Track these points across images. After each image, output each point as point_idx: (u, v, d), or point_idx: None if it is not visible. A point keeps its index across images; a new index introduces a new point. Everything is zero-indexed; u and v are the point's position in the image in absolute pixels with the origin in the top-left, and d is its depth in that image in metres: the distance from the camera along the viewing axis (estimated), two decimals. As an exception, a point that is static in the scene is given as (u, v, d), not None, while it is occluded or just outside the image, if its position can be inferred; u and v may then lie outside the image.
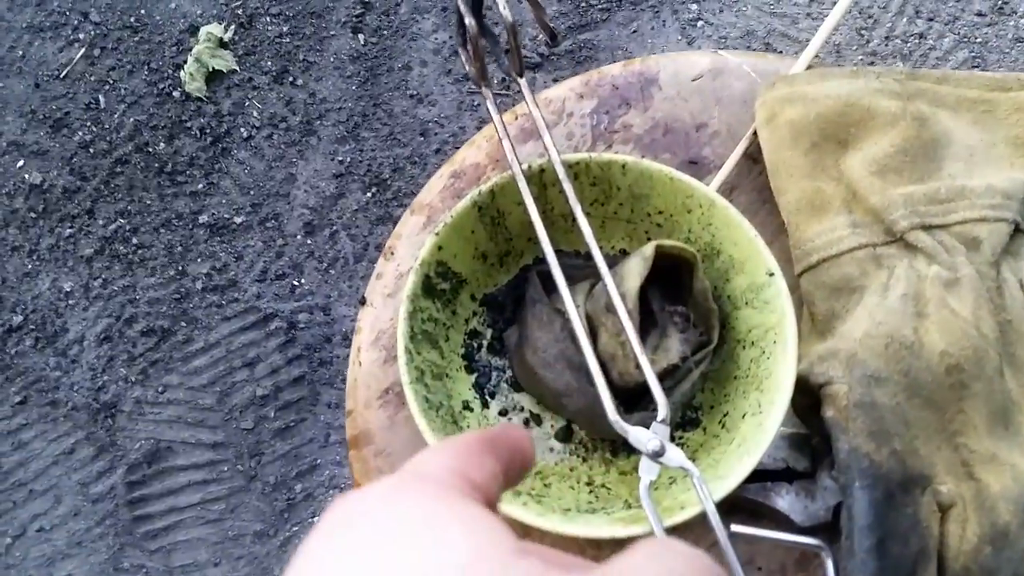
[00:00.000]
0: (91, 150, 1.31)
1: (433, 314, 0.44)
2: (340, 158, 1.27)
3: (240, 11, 1.36)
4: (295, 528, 1.17)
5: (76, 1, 1.39)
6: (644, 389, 0.43)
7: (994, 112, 0.50)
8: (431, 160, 1.28)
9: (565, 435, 0.47)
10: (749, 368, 0.43)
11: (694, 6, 1.33)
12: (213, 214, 1.26)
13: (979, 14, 1.43)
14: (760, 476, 0.44)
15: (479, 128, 1.30)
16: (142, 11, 1.38)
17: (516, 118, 0.56)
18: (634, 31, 1.32)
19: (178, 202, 1.28)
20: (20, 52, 1.37)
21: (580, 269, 0.48)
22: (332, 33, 1.35)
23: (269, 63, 1.33)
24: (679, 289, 0.45)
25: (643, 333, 0.43)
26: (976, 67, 1.39)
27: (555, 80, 1.30)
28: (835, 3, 0.54)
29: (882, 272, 0.44)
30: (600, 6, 1.34)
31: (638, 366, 0.42)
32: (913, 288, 0.42)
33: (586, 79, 0.56)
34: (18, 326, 1.25)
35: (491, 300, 0.48)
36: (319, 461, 1.19)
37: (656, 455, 0.36)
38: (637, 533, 0.37)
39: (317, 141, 1.28)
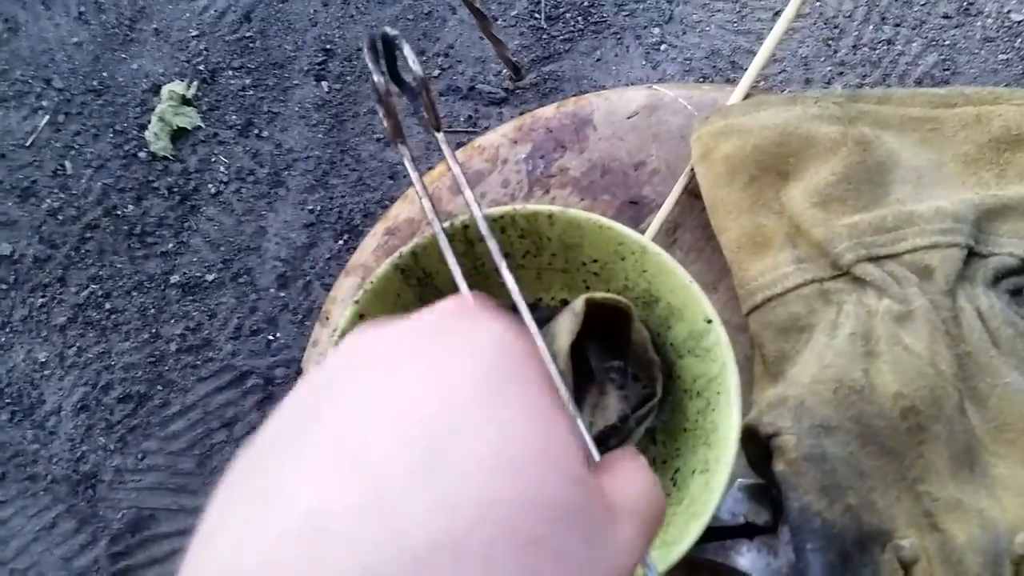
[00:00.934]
0: (60, 217, 1.30)
1: (359, 387, 0.42)
2: (310, 207, 1.26)
3: (202, 67, 1.36)
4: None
5: (39, 68, 1.39)
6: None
7: (941, 130, 0.48)
8: (402, 203, 1.27)
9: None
10: (697, 420, 0.41)
11: (657, 30, 1.32)
12: (184, 273, 1.25)
13: (945, 16, 1.42)
14: (718, 533, 0.42)
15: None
16: (104, 74, 1.38)
17: (449, 168, 0.54)
18: (598, 59, 1.31)
19: (149, 263, 1.26)
20: (-16, 124, 1.36)
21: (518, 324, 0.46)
22: (295, 82, 1.34)
23: (234, 117, 1.32)
24: (619, 342, 0.43)
25: (582, 391, 0.41)
26: (947, 70, 1.38)
27: (521, 115, 1.29)
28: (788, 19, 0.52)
29: (831, 309, 0.42)
30: (562, 36, 1.33)
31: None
32: (862, 325, 0.40)
33: (519, 123, 0.54)
34: (-8, 401, 1.23)
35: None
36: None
37: None
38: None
39: (286, 192, 1.27)
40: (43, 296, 1.28)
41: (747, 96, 0.51)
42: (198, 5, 1.42)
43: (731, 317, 0.46)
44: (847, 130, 0.46)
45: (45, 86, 1.37)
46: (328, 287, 1.23)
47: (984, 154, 0.47)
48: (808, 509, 0.36)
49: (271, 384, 1.19)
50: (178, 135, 1.32)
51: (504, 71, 1.30)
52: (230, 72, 1.35)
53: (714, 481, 0.37)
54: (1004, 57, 1.37)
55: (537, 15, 1.35)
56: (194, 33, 1.40)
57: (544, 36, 1.33)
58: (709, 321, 0.40)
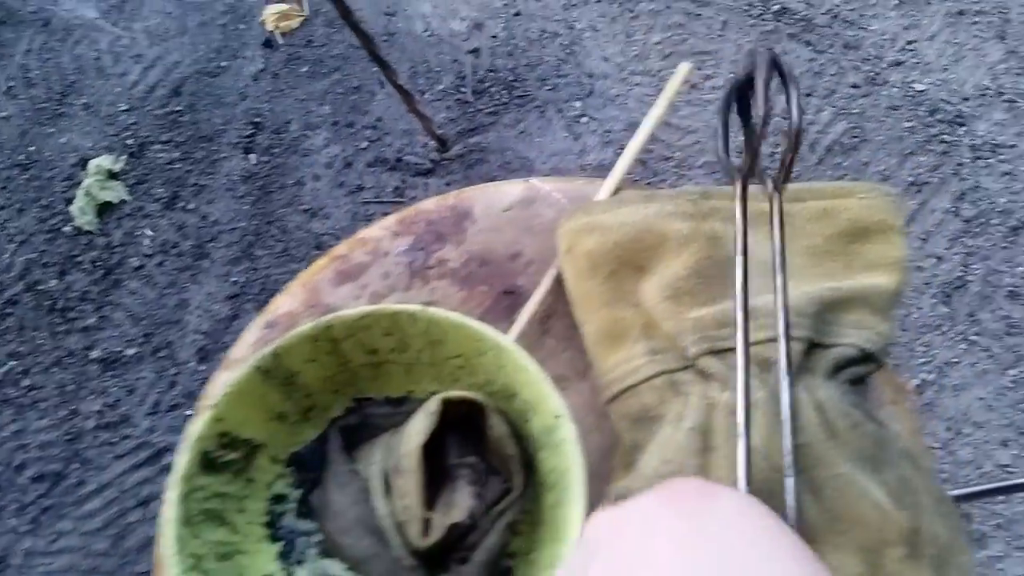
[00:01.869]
0: (-22, 292, 1.28)
1: (219, 489, 0.42)
2: (234, 279, 1.26)
3: (131, 140, 1.37)
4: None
5: (-37, 143, 1.38)
6: (447, 548, 0.41)
7: (790, 223, 0.50)
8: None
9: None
10: (552, 514, 0.42)
11: (578, 103, 1.37)
12: (105, 348, 1.23)
13: (854, 86, 1.49)
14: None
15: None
16: (31, 148, 1.38)
17: (332, 260, 0.55)
18: (522, 131, 1.35)
19: (70, 339, 1.24)
20: (-96, 198, 1.34)
21: (390, 417, 0.47)
22: (224, 155, 1.35)
23: (160, 190, 1.33)
24: (477, 436, 0.44)
25: (437, 490, 0.42)
26: (855, 137, 1.45)
27: (447, 185, 1.31)
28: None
29: (679, 400, 0.44)
30: (487, 110, 1.37)
31: (426, 531, 0.40)
32: (703, 419, 0.42)
33: (401, 216, 0.56)
34: None
35: (298, 459, 0.47)
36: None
37: None
38: None
39: (210, 264, 1.27)
40: (-41, 373, 1.25)
41: (617, 190, 0.54)
42: (129, 80, 1.43)
43: (600, 405, 0.47)
44: (699, 225, 0.49)
45: (-31, 160, 1.37)
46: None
47: (832, 246, 0.50)
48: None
49: (191, 460, 1.17)
50: (104, 209, 1.31)
51: (431, 143, 1.33)
52: (158, 145, 1.36)
53: (559, 578, 0.38)
54: (909, 124, 1.45)
55: (463, 89, 1.39)
56: (124, 107, 1.41)
57: (470, 109, 1.37)
58: (558, 416, 0.41)
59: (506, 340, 0.43)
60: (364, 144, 1.35)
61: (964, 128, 1.41)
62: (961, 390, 1.21)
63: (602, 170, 1.32)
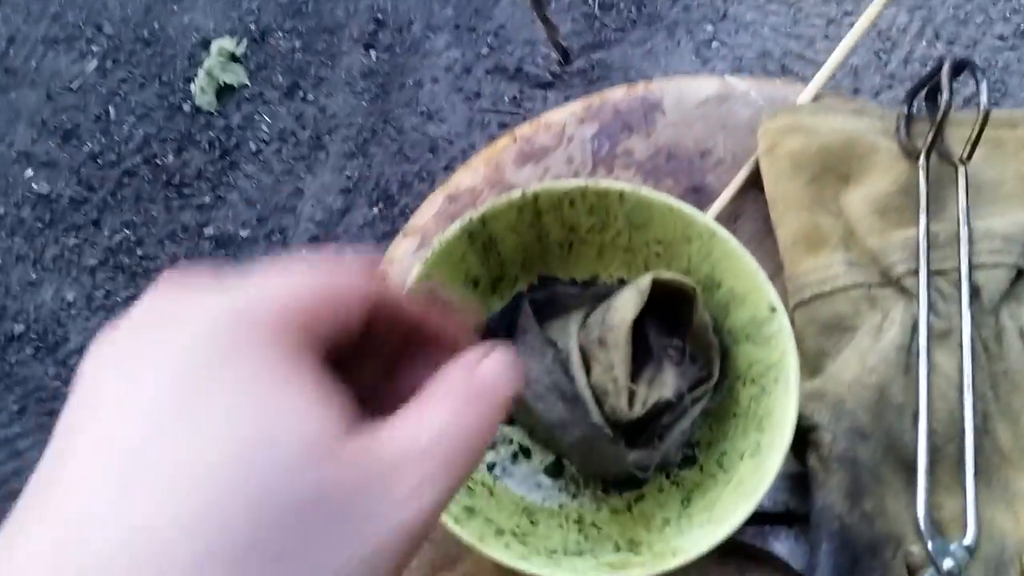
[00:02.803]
0: (99, 161, 1.31)
1: (420, 343, 0.43)
2: (348, 173, 1.27)
3: (253, 26, 1.37)
4: None
5: (90, 14, 1.40)
6: (643, 424, 0.41)
7: (1002, 149, 0.48)
8: (440, 177, 1.27)
9: (555, 470, 0.45)
10: (749, 406, 0.42)
11: (709, 27, 1.32)
12: (219, 227, 1.26)
13: (1001, 38, 1.41)
14: (758, 518, 0.42)
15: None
16: (155, 24, 1.39)
17: (515, 140, 0.54)
18: (648, 51, 1.31)
19: (184, 214, 1.27)
20: (33, 64, 1.37)
21: (575, 298, 0.46)
22: (344, 49, 1.34)
23: (280, 78, 1.33)
24: (678, 322, 0.43)
25: (638, 367, 0.41)
26: (997, 91, 1.37)
27: (567, 99, 1.29)
28: (852, 25, 0.52)
29: (876, 314, 0.43)
30: (614, 26, 1.33)
31: (630, 403, 0.40)
32: (907, 338, 0.41)
33: (588, 103, 0.55)
34: (19, 335, 1.24)
35: (483, 327, 0.47)
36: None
37: None
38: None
39: (326, 156, 1.28)
40: (76, 238, 1.29)
41: (816, 97, 0.52)
42: (253, -37, 1.43)
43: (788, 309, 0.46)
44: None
45: (96, 31, 1.38)
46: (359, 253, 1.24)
47: (1049, 172, 0.47)
48: (830, 510, 0.37)
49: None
50: (224, 91, 1.32)
51: (552, 55, 1.30)
52: (280, 33, 1.36)
53: (767, 465, 0.37)
54: (1054, 84, 1.36)
55: (590, 2, 1.35)
56: (247, -10, 1.40)
57: (596, 23, 1.33)
58: (773, 309, 0.40)
59: (720, 228, 0.42)
60: (485, 50, 1.32)
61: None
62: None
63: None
